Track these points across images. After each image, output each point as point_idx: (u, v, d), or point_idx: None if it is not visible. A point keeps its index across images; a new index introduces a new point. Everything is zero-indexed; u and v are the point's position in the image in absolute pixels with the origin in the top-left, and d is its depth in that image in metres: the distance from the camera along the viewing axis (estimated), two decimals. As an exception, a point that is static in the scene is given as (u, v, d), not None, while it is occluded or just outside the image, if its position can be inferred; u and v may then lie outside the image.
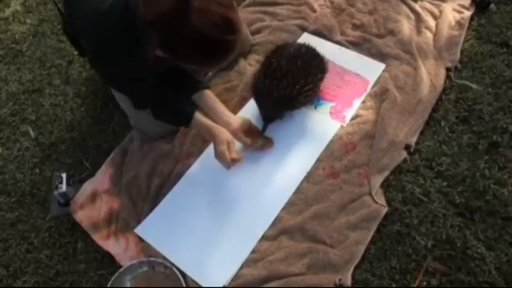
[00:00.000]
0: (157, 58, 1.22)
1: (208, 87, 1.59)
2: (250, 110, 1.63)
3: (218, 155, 1.44)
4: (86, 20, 1.32)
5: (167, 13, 1.11)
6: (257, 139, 1.54)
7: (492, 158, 1.45)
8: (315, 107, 1.64)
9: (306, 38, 1.83)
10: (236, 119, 1.53)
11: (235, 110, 1.65)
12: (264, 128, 1.55)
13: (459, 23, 1.77)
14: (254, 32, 1.89)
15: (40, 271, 1.45)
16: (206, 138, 1.58)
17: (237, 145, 1.52)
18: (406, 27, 1.78)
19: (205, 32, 1.11)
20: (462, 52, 1.71)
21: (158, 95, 1.46)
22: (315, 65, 1.56)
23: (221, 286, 1.32)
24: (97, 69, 1.46)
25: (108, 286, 1.31)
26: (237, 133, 1.50)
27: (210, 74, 1.76)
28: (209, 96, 1.57)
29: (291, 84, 1.47)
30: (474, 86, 1.61)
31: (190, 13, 1.09)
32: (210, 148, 1.55)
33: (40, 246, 1.50)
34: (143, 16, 1.14)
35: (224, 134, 1.46)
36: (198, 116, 1.49)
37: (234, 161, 1.45)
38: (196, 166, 1.56)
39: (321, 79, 1.59)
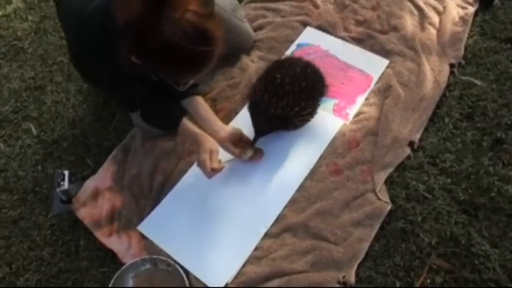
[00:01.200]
0: (134, 65, 1.17)
1: (199, 94, 1.55)
2: (242, 120, 1.59)
3: (199, 163, 1.41)
4: (70, 19, 1.32)
5: (137, 20, 1.06)
6: (247, 150, 1.49)
7: (496, 154, 1.44)
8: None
9: (309, 33, 1.82)
10: (224, 128, 1.49)
11: (237, 108, 1.65)
12: (255, 140, 1.50)
13: (463, 19, 1.76)
14: (257, 28, 1.88)
15: (42, 269, 1.45)
16: (191, 146, 1.55)
17: (226, 155, 1.49)
18: (409, 23, 1.77)
19: (176, 42, 1.07)
20: (466, 48, 1.70)
21: (146, 98, 1.44)
22: (317, 89, 1.51)
23: (224, 283, 1.32)
24: (78, 69, 1.43)
25: (111, 283, 1.31)
26: (225, 143, 1.47)
27: (191, 82, 1.65)
28: (199, 103, 1.54)
29: (291, 105, 1.42)
30: (478, 82, 1.60)
31: (161, 21, 1.05)
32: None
33: (43, 243, 1.50)
34: (117, 21, 1.11)
35: (209, 142, 1.43)
36: (186, 122, 1.48)
37: (214, 170, 1.40)
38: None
39: (319, 101, 1.53)
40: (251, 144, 1.50)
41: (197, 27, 1.08)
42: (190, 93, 1.52)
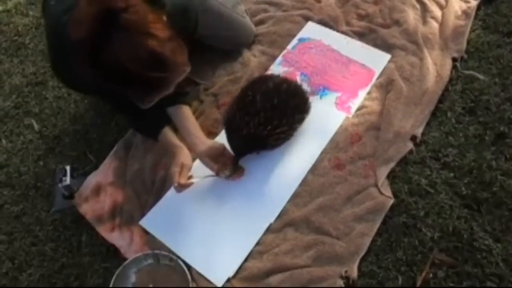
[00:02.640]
0: (96, 79, 1.15)
1: (186, 103, 1.53)
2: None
3: (169, 176, 1.40)
4: (47, 28, 1.32)
5: (88, 40, 1.03)
6: (226, 167, 1.45)
7: (499, 149, 1.43)
8: (320, 97, 1.63)
9: (310, 28, 1.81)
10: (204, 142, 1.45)
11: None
12: (236, 160, 1.45)
13: (465, 13, 1.75)
14: (258, 23, 1.87)
15: (45, 264, 1.45)
16: (168, 157, 1.51)
17: (207, 170, 1.46)
18: (411, 17, 1.76)
19: (127, 66, 1.04)
20: (468, 42, 1.68)
21: (127, 104, 1.38)
22: (293, 105, 1.43)
23: (226, 278, 1.32)
24: (56, 76, 1.42)
25: (113, 279, 1.31)
26: (203, 157, 1.44)
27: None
28: (184, 113, 1.51)
29: (263, 123, 1.35)
30: (480, 76, 1.59)
31: (112, 43, 1.02)
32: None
33: (45, 239, 1.50)
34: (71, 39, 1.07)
35: (182, 156, 1.41)
36: (166, 132, 1.47)
37: (180, 185, 1.38)
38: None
39: (300, 120, 1.47)
40: (233, 161, 1.45)
41: (153, 52, 1.05)
42: (177, 102, 1.50)
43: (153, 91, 1.16)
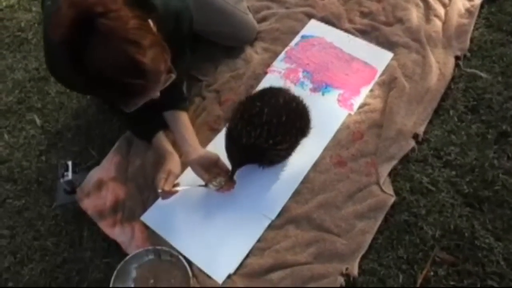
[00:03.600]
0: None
1: (184, 109, 1.52)
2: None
3: (154, 181, 1.39)
4: (44, 26, 1.31)
5: (66, 43, 1.01)
6: (216, 179, 1.41)
7: (501, 147, 1.43)
8: (323, 94, 1.63)
9: (313, 25, 1.81)
10: (197, 151, 1.43)
11: (240, 99, 1.63)
12: (232, 172, 1.40)
13: (469, 11, 1.75)
14: (261, 20, 1.88)
15: (46, 259, 1.46)
16: (159, 162, 1.48)
17: (198, 179, 1.43)
18: (414, 15, 1.76)
19: (105, 71, 1.03)
20: (471, 40, 1.68)
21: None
22: (298, 127, 1.40)
23: (227, 275, 1.32)
24: (52, 75, 1.41)
25: (114, 274, 1.31)
26: (194, 165, 1.42)
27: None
28: (180, 119, 1.49)
29: (265, 136, 1.32)
30: (483, 75, 1.59)
31: (90, 48, 1.00)
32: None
33: (47, 233, 1.51)
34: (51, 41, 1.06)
35: (171, 163, 1.40)
36: (160, 136, 1.47)
37: (164, 192, 1.36)
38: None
39: (298, 142, 1.43)
40: (227, 173, 1.41)
41: (131, 59, 1.03)
42: (174, 107, 1.49)
43: (134, 96, 1.14)
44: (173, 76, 1.22)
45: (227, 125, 1.41)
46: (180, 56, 1.41)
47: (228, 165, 1.41)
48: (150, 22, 1.14)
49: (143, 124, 1.51)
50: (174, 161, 1.42)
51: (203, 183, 1.43)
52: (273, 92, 1.42)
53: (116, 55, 1.02)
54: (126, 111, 1.22)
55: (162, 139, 1.48)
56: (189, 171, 1.46)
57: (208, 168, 1.42)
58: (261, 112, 1.33)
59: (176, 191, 1.41)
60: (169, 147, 1.47)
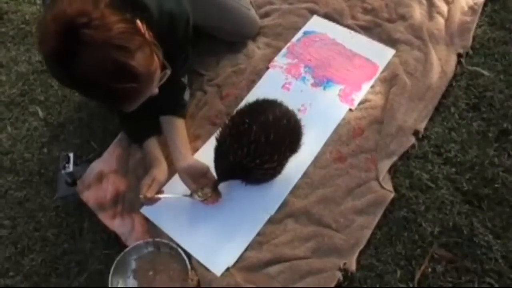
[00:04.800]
0: None
1: (181, 116, 1.50)
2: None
3: (139, 186, 1.39)
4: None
5: (53, 54, 1.02)
6: (203, 189, 1.40)
7: (501, 146, 1.43)
8: (324, 89, 1.63)
9: (315, 22, 1.81)
10: (186, 159, 1.42)
11: (242, 94, 1.65)
12: (216, 184, 1.40)
13: (472, 9, 1.74)
14: (263, 15, 1.88)
15: (47, 249, 1.46)
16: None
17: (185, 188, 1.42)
18: (417, 12, 1.76)
19: (94, 79, 1.03)
20: (474, 38, 1.68)
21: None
22: (287, 143, 1.36)
23: (225, 268, 1.33)
24: (51, 75, 1.41)
25: (113, 265, 1.32)
26: (181, 174, 1.41)
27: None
28: (175, 124, 1.48)
29: (252, 155, 1.29)
30: (485, 72, 1.59)
31: (77, 57, 1.00)
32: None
33: (47, 225, 1.51)
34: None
35: (157, 170, 1.40)
36: (151, 142, 1.47)
37: (145, 198, 1.36)
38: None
39: (288, 157, 1.40)
40: (213, 186, 1.40)
41: (119, 64, 1.02)
42: (170, 112, 1.48)
43: (130, 99, 1.13)
44: (168, 72, 1.22)
45: (217, 134, 1.39)
46: (177, 58, 1.41)
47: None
48: (138, 22, 1.13)
49: (137, 127, 1.51)
50: (160, 169, 1.42)
51: (187, 192, 1.42)
52: (263, 107, 1.37)
53: (104, 62, 1.02)
54: (125, 111, 1.22)
55: (153, 145, 1.48)
56: (177, 179, 1.45)
57: (196, 178, 1.41)
58: (249, 130, 1.29)
59: (158, 199, 1.40)
60: (158, 154, 1.46)
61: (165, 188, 1.45)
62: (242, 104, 1.54)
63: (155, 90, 1.21)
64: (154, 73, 1.13)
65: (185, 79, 1.54)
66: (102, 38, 1.00)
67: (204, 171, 1.40)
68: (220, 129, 1.39)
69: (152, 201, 1.40)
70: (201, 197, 1.40)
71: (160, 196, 1.40)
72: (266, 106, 1.37)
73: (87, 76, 1.03)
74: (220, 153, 1.36)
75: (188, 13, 1.37)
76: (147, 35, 1.14)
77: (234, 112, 1.42)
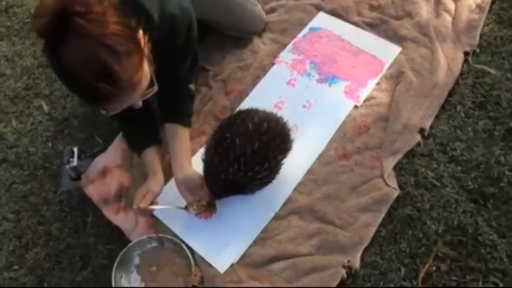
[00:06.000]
0: None
1: (185, 125, 1.48)
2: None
3: (135, 194, 1.38)
4: None
5: (43, 35, 1.01)
6: (198, 202, 1.38)
7: (508, 144, 1.42)
8: (329, 85, 1.62)
9: (321, 18, 1.80)
10: (184, 170, 1.40)
11: (247, 89, 1.65)
12: (212, 201, 1.38)
13: (479, 7, 1.73)
14: (269, 11, 1.87)
15: (51, 244, 1.47)
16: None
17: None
18: (424, 9, 1.74)
19: (75, 70, 1.02)
20: (481, 36, 1.66)
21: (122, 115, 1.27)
22: (275, 147, 1.32)
23: (229, 264, 1.33)
24: None
25: (117, 260, 1.33)
26: (178, 184, 1.39)
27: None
28: (178, 135, 1.46)
29: (243, 170, 1.26)
30: (492, 71, 1.57)
31: (65, 44, 0.99)
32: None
33: (51, 219, 1.52)
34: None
35: (152, 181, 1.39)
36: (149, 152, 1.45)
37: (138, 209, 1.34)
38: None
39: (281, 160, 1.36)
40: (208, 200, 1.38)
41: (103, 63, 1.01)
42: (176, 121, 1.46)
43: (103, 102, 1.11)
44: (155, 89, 1.20)
45: (202, 154, 1.36)
46: (182, 64, 1.41)
47: None
48: (141, 32, 1.12)
49: (135, 136, 1.50)
50: (156, 180, 1.40)
51: (182, 205, 1.40)
52: (241, 118, 1.33)
53: (87, 56, 1.01)
54: (105, 115, 1.21)
55: (150, 155, 1.46)
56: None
57: (193, 190, 1.38)
58: (232, 144, 1.26)
59: (152, 210, 1.39)
60: (155, 165, 1.44)
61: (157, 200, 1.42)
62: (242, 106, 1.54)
63: (139, 103, 1.19)
64: (137, 83, 1.11)
65: (193, 87, 1.52)
66: (93, 33, 1.00)
67: (202, 184, 1.37)
68: (204, 149, 1.36)
69: (145, 212, 1.38)
70: (196, 211, 1.38)
71: (153, 207, 1.38)
72: (243, 116, 1.33)
73: (68, 65, 1.02)
74: (210, 174, 1.33)
75: (191, 18, 1.35)
76: (145, 46, 1.13)
77: (213, 130, 1.38)
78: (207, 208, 1.39)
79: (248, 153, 1.26)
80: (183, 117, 1.49)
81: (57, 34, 0.99)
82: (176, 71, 1.41)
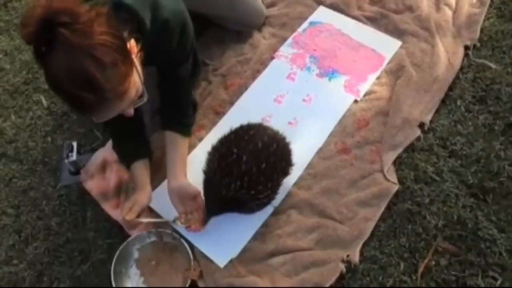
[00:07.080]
0: None
1: (185, 134, 1.46)
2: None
3: (120, 209, 1.38)
4: None
5: (30, 42, 1.00)
6: (187, 215, 1.36)
7: (508, 139, 1.42)
8: (329, 80, 1.62)
9: (322, 12, 1.80)
10: (178, 180, 1.39)
11: (247, 83, 1.64)
12: (206, 219, 1.35)
13: (480, 1, 1.72)
14: (269, 5, 1.86)
15: (50, 238, 1.47)
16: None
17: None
18: (425, 3, 1.74)
19: (59, 78, 1.01)
20: (482, 30, 1.66)
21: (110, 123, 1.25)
22: (280, 169, 1.31)
23: (229, 259, 1.33)
24: None
25: (116, 254, 1.33)
26: (171, 194, 1.38)
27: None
28: (176, 143, 1.44)
29: (246, 187, 1.23)
30: (492, 65, 1.57)
31: (51, 52, 0.99)
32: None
33: (51, 213, 1.52)
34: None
35: (140, 194, 1.38)
36: (138, 165, 1.43)
37: (125, 221, 1.35)
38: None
39: (281, 182, 1.35)
40: (203, 211, 1.35)
41: (86, 73, 1.00)
42: (175, 129, 1.45)
43: (89, 111, 1.11)
44: (145, 99, 1.19)
45: (204, 166, 1.32)
46: (180, 69, 1.39)
47: None
48: (132, 42, 1.11)
49: (124, 148, 1.48)
50: (144, 193, 1.39)
51: (170, 218, 1.39)
52: (250, 134, 1.29)
53: (71, 65, 1.00)
54: (95, 121, 1.19)
55: (139, 168, 1.43)
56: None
57: (185, 201, 1.37)
58: (239, 160, 1.23)
59: (140, 222, 1.38)
60: (143, 178, 1.42)
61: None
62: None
63: (130, 111, 1.18)
64: (123, 93, 1.09)
65: (195, 93, 1.50)
66: (78, 43, 0.99)
67: (194, 195, 1.36)
68: (206, 160, 1.32)
69: (131, 224, 1.37)
70: (183, 224, 1.36)
71: (141, 220, 1.37)
72: (253, 132, 1.30)
73: (53, 73, 1.02)
74: (211, 188, 1.30)
75: (184, 22, 1.32)
76: (137, 56, 1.12)
77: (218, 141, 1.34)
78: (196, 222, 1.36)
79: (253, 171, 1.23)
80: (184, 126, 1.47)
81: (43, 43, 0.99)
82: (176, 76, 1.40)
